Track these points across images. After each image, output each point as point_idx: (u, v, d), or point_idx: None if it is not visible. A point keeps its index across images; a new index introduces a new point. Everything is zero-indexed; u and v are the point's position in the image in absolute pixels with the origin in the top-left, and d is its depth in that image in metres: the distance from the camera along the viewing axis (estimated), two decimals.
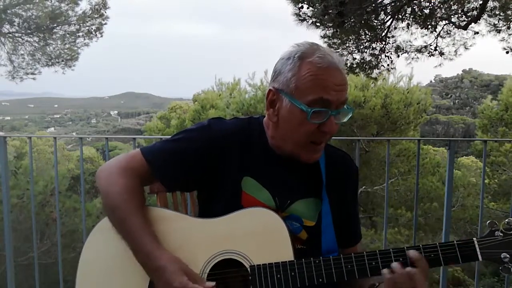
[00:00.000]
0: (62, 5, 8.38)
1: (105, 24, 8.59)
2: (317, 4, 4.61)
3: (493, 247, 0.98)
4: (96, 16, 8.48)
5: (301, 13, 4.87)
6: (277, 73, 1.09)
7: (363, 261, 1.00)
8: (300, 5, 4.80)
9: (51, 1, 8.25)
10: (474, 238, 1.00)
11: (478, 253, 0.98)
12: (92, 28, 8.56)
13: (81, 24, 8.49)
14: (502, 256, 0.97)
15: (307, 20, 4.88)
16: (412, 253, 0.99)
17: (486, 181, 9.13)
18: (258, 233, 1.05)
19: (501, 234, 0.99)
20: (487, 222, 1.01)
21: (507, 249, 0.98)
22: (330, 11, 4.43)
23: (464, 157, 15.02)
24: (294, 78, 1.03)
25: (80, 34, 8.62)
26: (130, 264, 1.04)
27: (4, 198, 2.78)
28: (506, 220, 1.00)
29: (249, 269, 1.03)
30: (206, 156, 1.11)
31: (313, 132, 1.05)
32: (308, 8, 4.82)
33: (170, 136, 1.19)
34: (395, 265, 0.98)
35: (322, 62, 1.02)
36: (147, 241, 1.02)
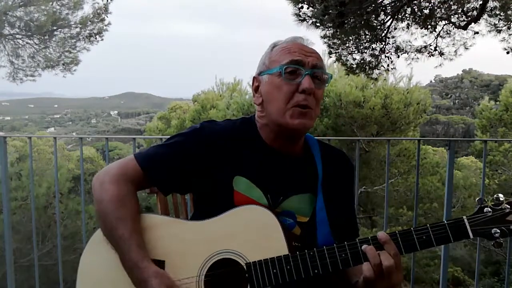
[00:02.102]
0: (63, 8, 8.39)
1: (106, 30, 8.61)
2: (317, 5, 4.61)
3: (483, 223, 1.00)
4: (97, 20, 8.49)
5: (301, 13, 4.86)
6: (258, 65, 1.21)
7: (357, 249, 1.01)
8: (300, 5, 4.79)
9: (53, 4, 8.26)
10: (464, 216, 1.01)
11: (469, 230, 1.00)
12: (93, 32, 8.57)
13: (82, 28, 8.50)
14: (492, 232, 0.99)
15: (307, 20, 4.87)
16: (380, 234, 1.01)
17: (486, 181, 9.13)
18: (251, 231, 1.06)
19: (490, 210, 1.00)
20: (476, 199, 1.03)
21: (497, 224, 0.99)
22: (330, 11, 4.42)
23: (464, 157, 15.01)
24: (268, 56, 1.17)
25: (81, 37, 8.63)
26: (126, 275, 1.05)
27: (4, 199, 2.78)
28: (494, 196, 1.01)
29: (245, 267, 1.04)
30: (199, 160, 1.13)
31: (293, 94, 1.10)
32: (308, 8, 4.81)
33: (164, 139, 1.20)
34: (365, 247, 1.00)
35: (290, 39, 1.18)
36: (133, 251, 1.02)
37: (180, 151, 1.13)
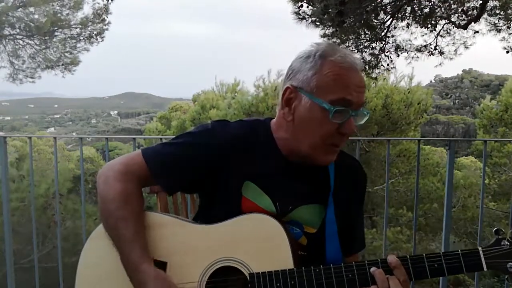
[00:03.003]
0: (63, 9, 8.39)
1: (106, 29, 8.61)
2: (316, 3, 4.61)
3: (499, 257, 0.96)
4: (97, 21, 8.49)
5: (300, 12, 4.87)
6: (295, 71, 1.06)
7: (364, 270, 0.98)
8: (300, 4, 4.80)
9: (53, 5, 8.26)
10: (480, 247, 0.97)
11: (483, 263, 0.96)
12: (93, 33, 8.57)
13: (83, 29, 8.50)
14: (508, 266, 0.95)
15: (307, 19, 4.88)
16: (390, 258, 0.98)
17: (486, 181, 9.12)
18: (257, 240, 1.04)
19: (508, 243, 0.96)
20: (494, 229, 0.98)
21: None
22: (330, 10, 4.42)
23: (464, 157, 15.00)
24: (316, 77, 1.01)
25: (81, 38, 8.63)
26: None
27: (4, 199, 2.77)
28: None
29: (248, 277, 1.01)
30: (207, 162, 1.09)
31: (332, 133, 1.03)
32: (307, 7, 4.82)
33: (172, 137, 1.17)
34: (373, 270, 0.98)
35: (344, 62, 1.01)
36: (135, 252, 1.00)
37: (188, 151, 1.09)
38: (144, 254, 1.01)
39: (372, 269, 0.98)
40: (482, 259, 0.96)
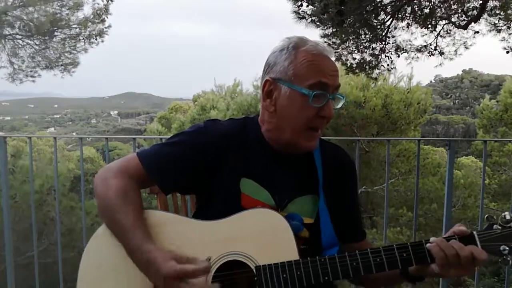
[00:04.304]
0: (63, 9, 8.38)
1: (106, 33, 8.59)
2: (316, 3, 4.61)
3: (492, 240, 1.00)
4: (97, 21, 8.47)
5: (300, 11, 4.88)
6: (271, 65, 1.12)
7: (368, 258, 1.01)
8: (299, 3, 4.80)
9: (53, 5, 8.25)
10: (474, 232, 1.01)
11: (479, 245, 0.99)
12: (93, 33, 8.55)
13: (82, 29, 8.48)
14: (501, 249, 0.99)
15: (306, 18, 4.88)
16: (433, 239, 1.00)
17: (486, 181, 9.12)
18: (262, 234, 1.05)
19: (499, 227, 1.00)
20: (485, 216, 1.03)
21: (505, 241, 0.99)
22: (330, 9, 4.43)
23: (464, 157, 14.99)
24: (292, 66, 1.08)
25: (81, 38, 8.61)
26: (131, 269, 1.03)
27: (4, 198, 2.79)
28: (503, 213, 1.02)
29: (254, 270, 1.02)
30: (202, 160, 1.11)
31: (313, 118, 1.08)
32: (307, 6, 4.82)
33: (167, 138, 1.19)
34: (434, 239, 1.00)
35: (315, 49, 1.08)
36: (137, 236, 1.01)
37: (183, 150, 1.11)
38: (146, 235, 1.01)
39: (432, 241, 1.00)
40: (478, 242, 1.00)
